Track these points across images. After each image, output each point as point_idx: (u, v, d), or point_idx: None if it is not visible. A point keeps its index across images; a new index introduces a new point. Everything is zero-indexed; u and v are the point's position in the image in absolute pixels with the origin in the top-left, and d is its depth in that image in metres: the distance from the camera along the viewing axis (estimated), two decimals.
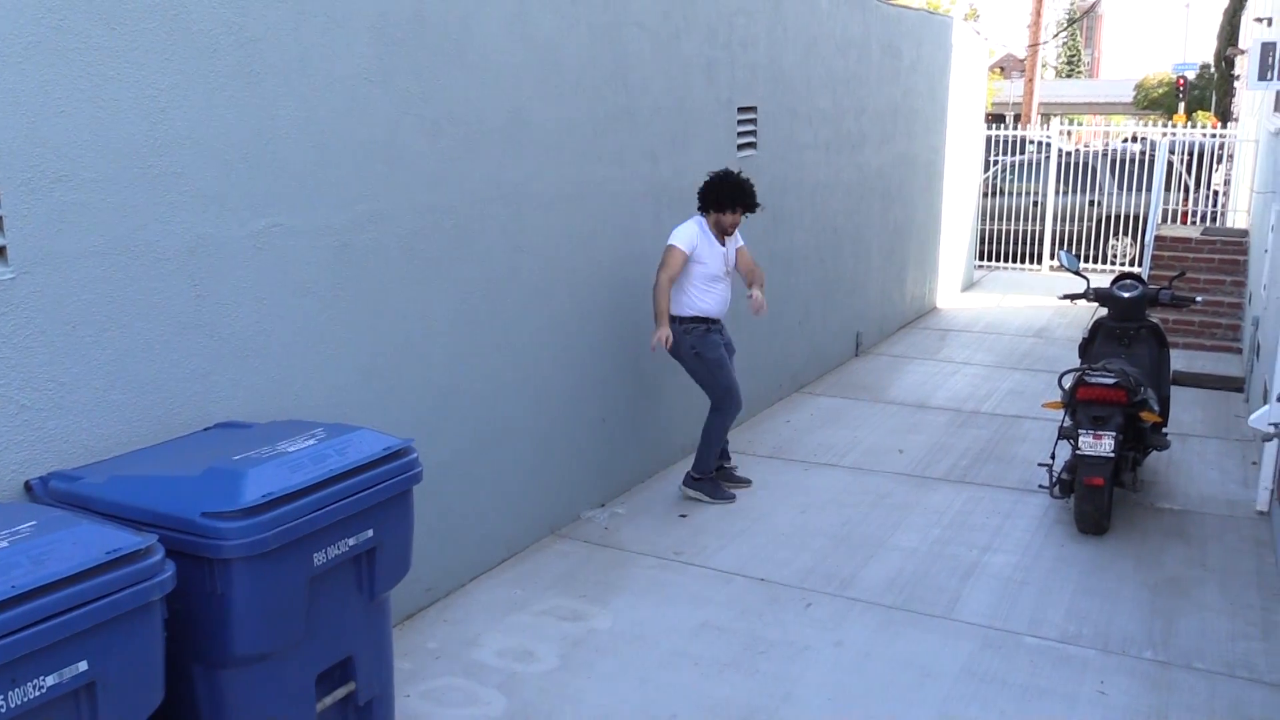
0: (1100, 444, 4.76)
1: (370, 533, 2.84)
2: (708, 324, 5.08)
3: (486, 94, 4.25)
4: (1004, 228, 13.45)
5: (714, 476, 5.33)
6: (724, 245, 5.14)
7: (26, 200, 2.70)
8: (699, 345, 5.07)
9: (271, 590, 2.56)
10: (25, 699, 2.05)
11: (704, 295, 5.05)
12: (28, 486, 2.73)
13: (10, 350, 2.70)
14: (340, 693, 2.90)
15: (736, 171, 5.09)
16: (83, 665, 2.15)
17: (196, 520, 2.48)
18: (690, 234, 5.01)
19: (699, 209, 5.12)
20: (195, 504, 2.50)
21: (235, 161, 3.24)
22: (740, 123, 6.32)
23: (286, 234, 3.44)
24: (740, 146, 6.35)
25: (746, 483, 5.55)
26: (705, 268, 5.03)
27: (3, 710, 2.02)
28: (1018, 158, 13.75)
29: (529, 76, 4.49)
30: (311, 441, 2.82)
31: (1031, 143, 14.22)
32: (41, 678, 2.07)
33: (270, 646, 2.61)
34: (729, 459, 5.65)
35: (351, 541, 2.79)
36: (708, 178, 5.08)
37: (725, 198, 5.02)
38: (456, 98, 4.09)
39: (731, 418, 5.28)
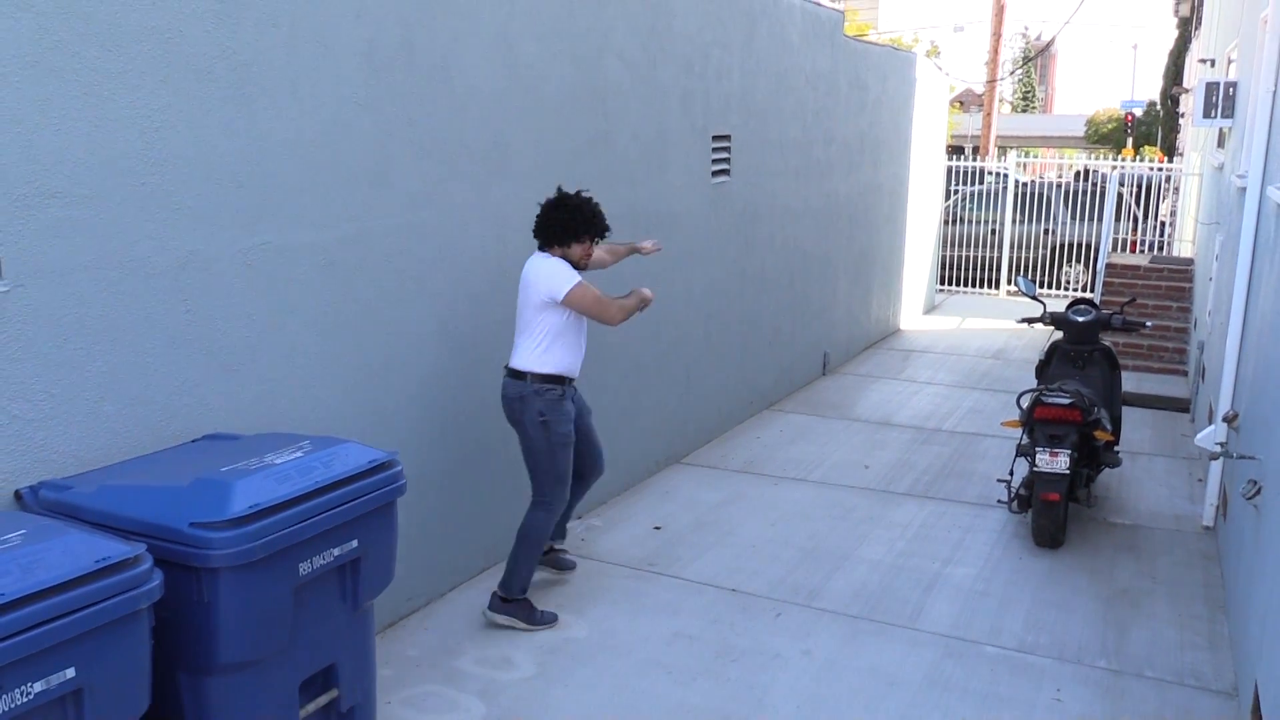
0: (1056, 461, 4.81)
1: (355, 543, 2.82)
2: (564, 385, 3.99)
3: (470, 119, 4.26)
4: (963, 254, 13.59)
5: (526, 598, 4.11)
6: None
7: (21, 215, 2.67)
8: (549, 412, 3.93)
9: (257, 599, 2.53)
10: (13, 705, 2.01)
11: (573, 349, 4.00)
12: (18, 495, 2.68)
13: (3, 362, 2.66)
14: (323, 700, 2.87)
15: (575, 192, 4.06)
16: (70, 672, 2.11)
17: (184, 530, 2.45)
18: (571, 269, 3.94)
19: (539, 245, 4.03)
20: (183, 514, 2.47)
21: (226, 181, 3.23)
22: (714, 150, 6.36)
23: (275, 251, 3.42)
24: (714, 173, 6.40)
25: (571, 566, 4.54)
26: (579, 316, 3.97)
27: None
28: (976, 187, 13.92)
29: (511, 103, 4.50)
30: (298, 454, 2.79)
31: (990, 173, 14.42)
32: (29, 684, 2.04)
33: (255, 654, 2.58)
34: (563, 536, 4.56)
35: (336, 552, 2.77)
36: (545, 206, 4.02)
37: (571, 226, 3.94)
38: (441, 122, 4.10)
39: (557, 515, 4.13)
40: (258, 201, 3.34)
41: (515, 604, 4.08)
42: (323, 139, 3.56)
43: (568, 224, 3.94)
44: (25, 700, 2.03)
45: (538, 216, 4.03)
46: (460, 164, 4.22)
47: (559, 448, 4.00)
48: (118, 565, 2.23)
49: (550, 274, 3.90)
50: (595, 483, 4.48)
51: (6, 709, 2.00)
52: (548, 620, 4.11)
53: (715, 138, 6.35)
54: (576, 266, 3.99)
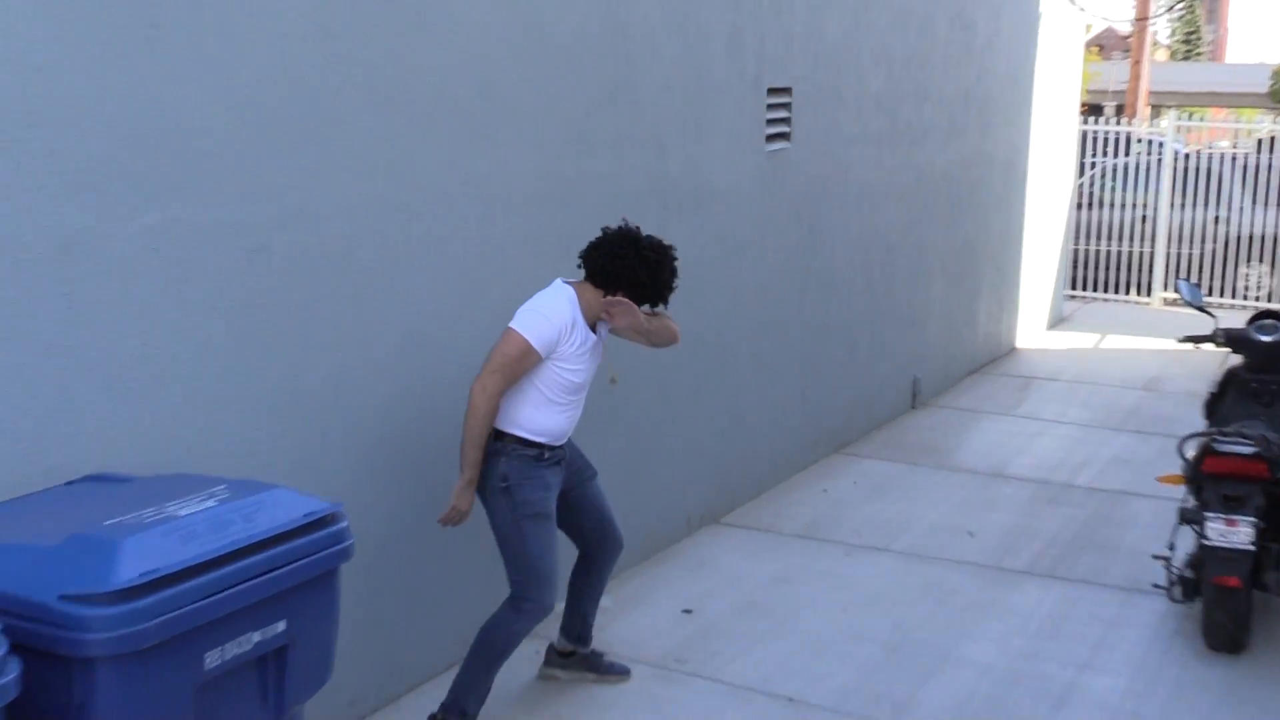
0: (1234, 532, 4.74)
1: (282, 625, 2.80)
2: (541, 450, 4.01)
3: (451, 62, 4.27)
4: (1104, 248, 13.54)
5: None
6: (597, 332, 4.10)
7: None
8: (513, 476, 3.95)
9: (148, 700, 2.51)
10: None
11: (551, 411, 4.01)
12: None
13: None
14: None
15: (660, 240, 4.08)
16: None
17: (52, 605, 2.42)
18: (559, 316, 3.94)
19: (586, 276, 4.08)
20: (51, 583, 2.45)
21: (126, 136, 3.23)
22: (770, 107, 6.36)
23: (187, 231, 3.42)
24: (770, 138, 6.39)
25: (622, 672, 4.58)
26: (569, 372, 3.99)
27: None
28: (1121, 160, 13.86)
29: (506, 41, 4.51)
30: (210, 502, 2.78)
31: (1139, 141, 14.35)
32: None
33: None
34: (587, 640, 4.54)
35: (257, 636, 2.74)
36: (606, 235, 4.08)
37: (618, 274, 3.99)
38: (412, 65, 4.10)
39: (532, 622, 4.05)
40: (166, 165, 3.34)
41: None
42: (256, 85, 3.56)
43: (615, 271, 3.99)
44: None
45: (596, 240, 4.09)
46: (438, 120, 4.23)
47: (526, 520, 3.96)
48: None
49: (528, 304, 3.98)
50: (614, 562, 4.50)
51: None
52: None
53: (771, 91, 6.35)
54: (596, 317, 4.05)
